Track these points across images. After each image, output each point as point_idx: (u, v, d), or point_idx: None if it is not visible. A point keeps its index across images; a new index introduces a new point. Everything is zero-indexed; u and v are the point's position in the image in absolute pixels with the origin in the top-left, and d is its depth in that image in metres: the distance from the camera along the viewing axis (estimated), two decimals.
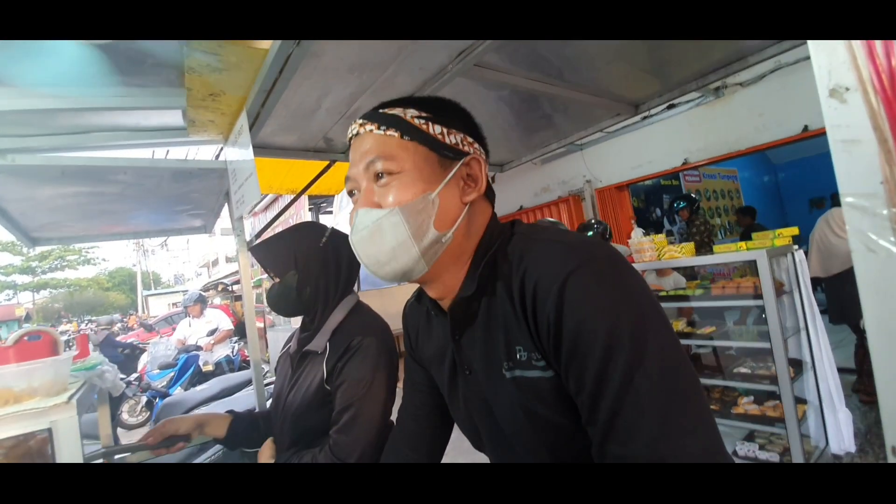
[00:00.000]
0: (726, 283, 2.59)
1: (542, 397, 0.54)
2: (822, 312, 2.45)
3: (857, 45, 0.29)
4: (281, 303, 1.07)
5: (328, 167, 2.02)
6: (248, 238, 1.83)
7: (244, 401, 3.07)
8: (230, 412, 1.24)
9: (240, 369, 4.83)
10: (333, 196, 7.43)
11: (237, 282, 9.23)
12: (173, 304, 20.71)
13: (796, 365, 2.38)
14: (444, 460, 0.84)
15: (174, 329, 6.47)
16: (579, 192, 4.97)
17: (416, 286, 0.72)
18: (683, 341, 2.67)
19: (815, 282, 3.13)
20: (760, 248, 2.29)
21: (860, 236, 0.29)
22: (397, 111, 0.61)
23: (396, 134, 0.59)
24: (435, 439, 0.82)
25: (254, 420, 1.24)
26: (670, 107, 4.00)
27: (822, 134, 3.03)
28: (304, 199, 6.24)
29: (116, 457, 1.25)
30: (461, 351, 0.65)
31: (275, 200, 7.60)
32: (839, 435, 2.31)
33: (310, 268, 1.06)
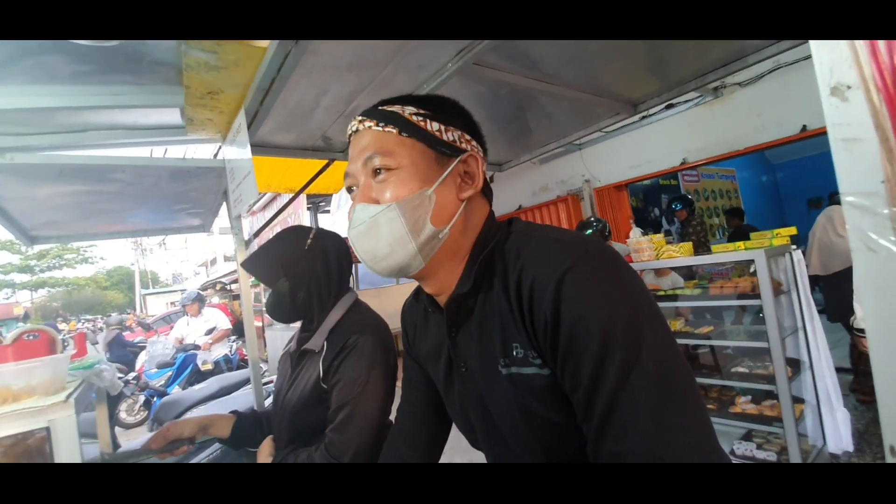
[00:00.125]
0: (724, 282, 2.59)
1: (538, 394, 0.54)
2: (819, 312, 2.46)
3: (860, 42, 0.28)
4: (277, 311, 1.07)
5: (326, 166, 2.01)
6: (246, 237, 1.83)
7: (242, 400, 3.07)
8: (234, 412, 1.24)
9: (238, 368, 4.82)
10: (332, 195, 7.43)
11: (235, 281, 9.21)
12: (171, 303, 20.67)
13: (794, 364, 2.39)
14: (442, 459, 0.84)
15: (172, 328, 6.46)
16: (578, 191, 4.97)
17: (414, 287, 0.72)
18: (681, 341, 2.67)
19: (814, 280, 3.12)
20: (758, 247, 2.29)
21: (860, 235, 0.29)
22: (396, 108, 0.61)
23: (395, 130, 0.59)
24: (432, 437, 0.82)
25: (257, 419, 1.24)
26: (669, 106, 4.00)
27: (821, 134, 3.03)
28: (303, 197, 6.22)
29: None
30: (457, 348, 0.65)
31: (273, 199, 7.58)
32: (837, 434, 2.31)
33: (299, 273, 1.06)
